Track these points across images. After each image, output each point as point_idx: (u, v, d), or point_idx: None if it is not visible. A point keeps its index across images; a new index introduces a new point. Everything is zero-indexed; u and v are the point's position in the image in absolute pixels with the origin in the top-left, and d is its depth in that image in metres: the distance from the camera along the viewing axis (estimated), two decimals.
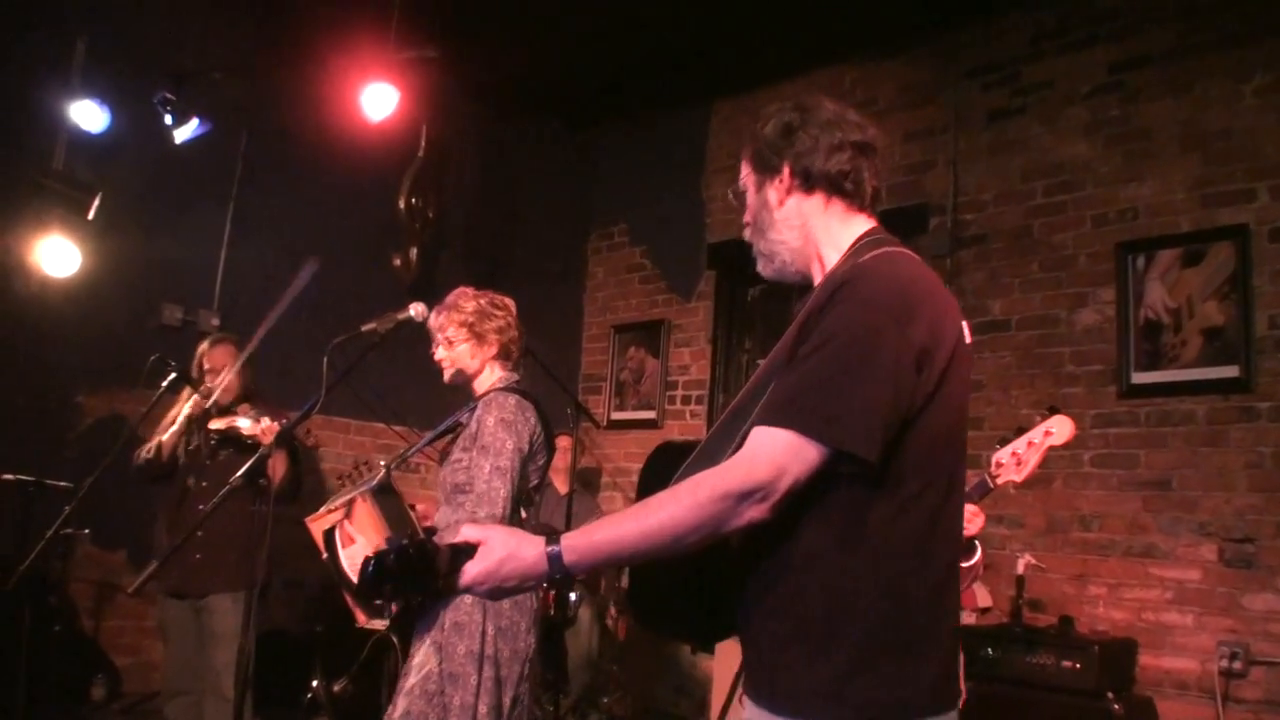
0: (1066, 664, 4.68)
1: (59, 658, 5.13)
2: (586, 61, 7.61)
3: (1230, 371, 5.17)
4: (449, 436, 3.57)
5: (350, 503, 3.42)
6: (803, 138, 2.06)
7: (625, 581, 6.54)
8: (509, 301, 3.69)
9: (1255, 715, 4.82)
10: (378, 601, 3.23)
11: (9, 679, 4.34)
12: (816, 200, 2.08)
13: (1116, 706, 4.54)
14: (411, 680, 3.22)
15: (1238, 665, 4.87)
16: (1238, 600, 4.99)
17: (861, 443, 1.73)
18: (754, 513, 1.75)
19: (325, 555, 3.38)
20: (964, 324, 1.98)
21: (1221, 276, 5.26)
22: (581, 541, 1.80)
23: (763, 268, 2.20)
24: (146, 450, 4.69)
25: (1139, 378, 5.48)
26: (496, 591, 1.85)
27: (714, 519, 1.75)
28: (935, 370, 1.84)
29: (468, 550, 1.80)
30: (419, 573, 1.75)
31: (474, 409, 3.44)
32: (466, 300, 3.60)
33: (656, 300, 8.33)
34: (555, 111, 8.64)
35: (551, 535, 1.80)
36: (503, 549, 1.80)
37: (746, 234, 2.19)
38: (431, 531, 1.70)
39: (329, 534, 3.34)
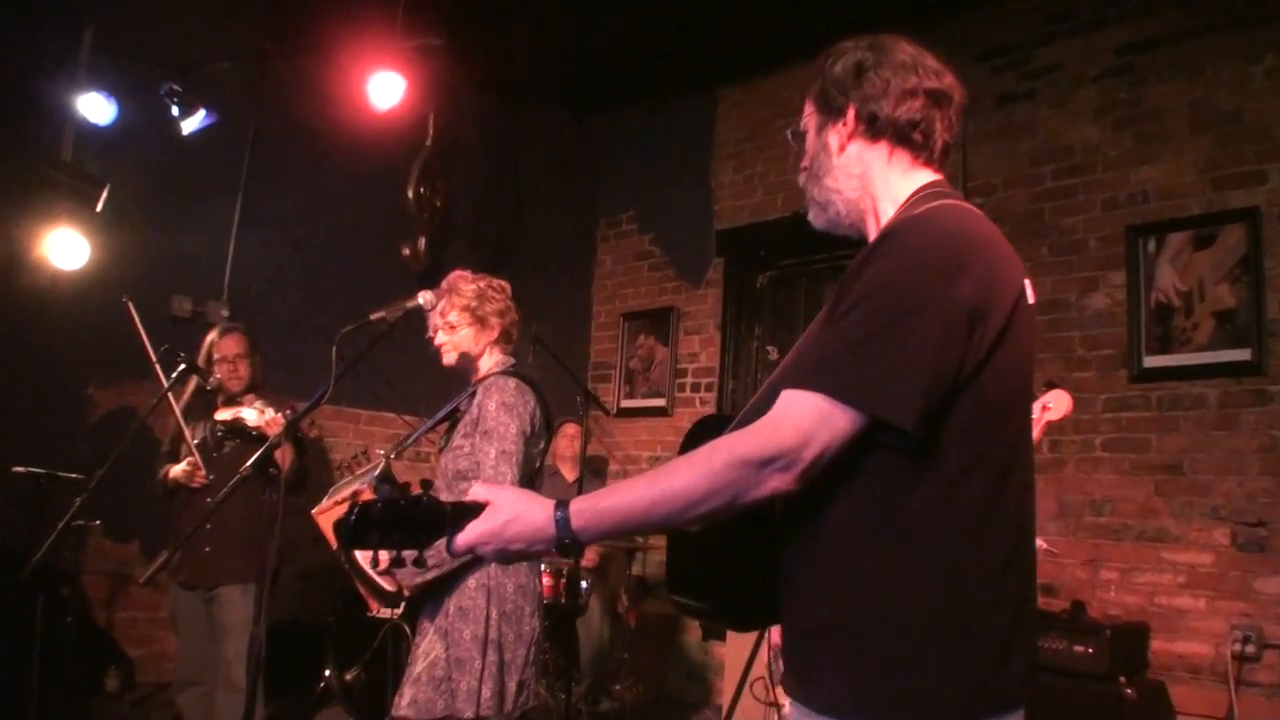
0: (1079, 649, 4.67)
1: (72, 649, 5.14)
2: (592, 49, 7.59)
3: (1242, 355, 5.14)
4: (447, 423, 3.57)
5: (355, 494, 3.42)
6: (873, 79, 1.91)
7: (663, 560, 6.53)
8: (505, 284, 3.68)
9: (1268, 699, 4.81)
10: (365, 552, 3.19)
11: (23, 670, 4.36)
12: (880, 149, 1.91)
13: (1129, 691, 4.53)
14: (418, 668, 3.22)
15: (1250, 649, 4.86)
16: (1250, 584, 4.97)
17: (899, 410, 1.56)
18: (776, 482, 1.58)
19: (336, 547, 3.38)
20: (1027, 282, 1.79)
21: (1233, 259, 5.23)
22: (590, 506, 1.67)
23: (814, 216, 2.02)
24: (164, 475, 4.71)
25: (1150, 361, 5.46)
26: (502, 554, 1.73)
27: (730, 487, 1.59)
28: (989, 332, 1.65)
29: (474, 509, 1.72)
30: (408, 525, 1.68)
31: (473, 394, 3.43)
32: (466, 283, 3.59)
33: (665, 288, 8.32)
34: (562, 99, 8.62)
35: (560, 501, 1.69)
36: (509, 510, 1.70)
37: (801, 179, 2.02)
38: (429, 485, 1.68)
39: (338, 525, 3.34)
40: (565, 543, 1.67)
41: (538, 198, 8.54)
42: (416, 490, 1.74)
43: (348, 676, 5.77)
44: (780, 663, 1.90)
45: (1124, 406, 5.50)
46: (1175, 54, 5.61)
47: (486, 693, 3.18)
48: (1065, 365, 5.75)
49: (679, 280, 8.23)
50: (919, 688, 1.61)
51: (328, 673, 5.86)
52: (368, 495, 3.40)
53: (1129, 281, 5.58)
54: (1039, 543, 5.16)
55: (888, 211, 1.88)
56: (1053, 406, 3.34)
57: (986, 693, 1.64)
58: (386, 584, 3.27)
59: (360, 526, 1.64)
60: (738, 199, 7.89)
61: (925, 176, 1.91)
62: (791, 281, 7.67)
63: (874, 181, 1.91)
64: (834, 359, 1.62)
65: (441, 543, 2.58)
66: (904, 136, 1.89)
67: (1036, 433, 3.33)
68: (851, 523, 1.68)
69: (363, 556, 3.28)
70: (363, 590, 3.40)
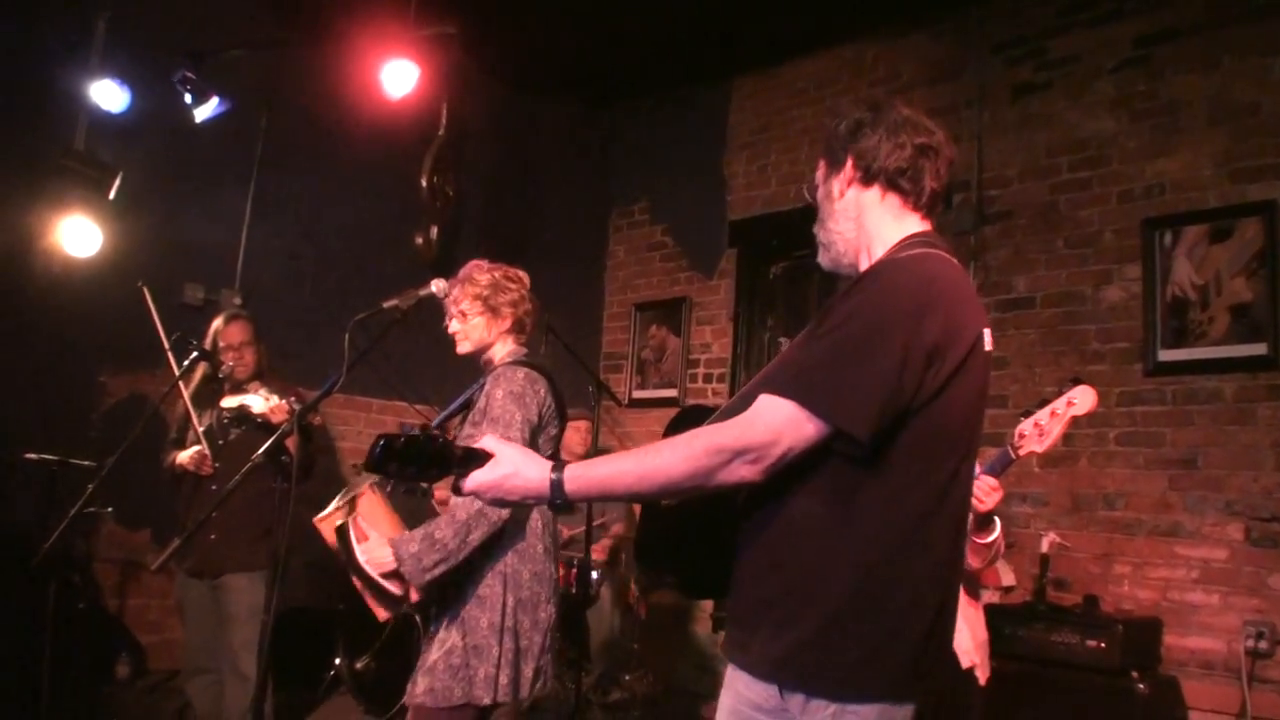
0: (1091, 643, 4.65)
1: (83, 635, 5.15)
2: (607, 38, 7.56)
3: (1258, 349, 5.10)
4: (460, 415, 3.56)
5: (356, 497, 3.40)
6: (869, 134, 2.17)
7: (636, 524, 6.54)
8: (522, 274, 3.66)
9: None
10: (369, 556, 3.25)
11: (34, 656, 4.37)
12: (873, 193, 2.18)
13: (1141, 686, 4.51)
14: (434, 656, 3.22)
15: (1264, 645, 4.83)
16: (1264, 580, 4.94)
17: (856, 422, 1.83)
18: (744, 471, 1.86)
19: (340, 553, 3.35)
20: (986, 331, 2.06)
21: (1249, 252, 5.20)
22: (583, 473, 1.94)
23: (821, 257, 2.32)
24: (170, 461, 4.72)
25: (1165, 355, 5.42)
26: (499, 502, 2.01)
27: (704, 470, 1.86)
28: (945, 368, 1.92)
29: (480, 457, 1.96)
30: (425, 459, 1.89)
31: (484, 385, 3.42)
32: (480, 273, 3.57)
33: (678, 278, 8.31)
34: (575, 89, 8.59)
35: (558, 463, 1.95)
36: (511, 465, 1.95)
37: (815, 227, 2.30)
38: (442, 427, 1.86)
39: (341, 530, 3.32)
40: (557, 502, 1.95)
41: (550, 187, 8.53)
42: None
43: (358, 665, 5.77)
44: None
45: (1138, 400, 5.47)
46: (1193, 46, 5.57)
47: (504, 679, 3.19)
48: (1080, 358, 5.72)
49: (691, 271, 8.21)
50: (835, 663, 1.89)
51: (338, 661, 5.86)
52: (370, 496, 3.39)
53: (1144, 274, 5.54)
54: (1051, 536, 5.16)
55: (878, 252, 2.15)
56: (1078, 402, 3.31)
57: (890, 681, 1.91)
58: (393, 587, 3.24)
59: (384, 455, 1.85)
60: (751, 189, 7.86)
61: (914, 224, 2.18)
62: (804, 272, 7.64)
63: (867, 224, 2.19)
64: (808, 373, 1.90)
65: (449, 540, 2.97)
66: (893, 183, 2.16)
67: (1060, 428, 3.31)
68: (803, 515, 1.96)
69: (367, 563, 3.26)
70: (367, 596, 3.37)
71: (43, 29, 5.66)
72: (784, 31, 7.28)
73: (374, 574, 3.23)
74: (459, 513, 3.15)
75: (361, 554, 3.27)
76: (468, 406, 3.49)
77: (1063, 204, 5.98)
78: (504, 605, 3.25)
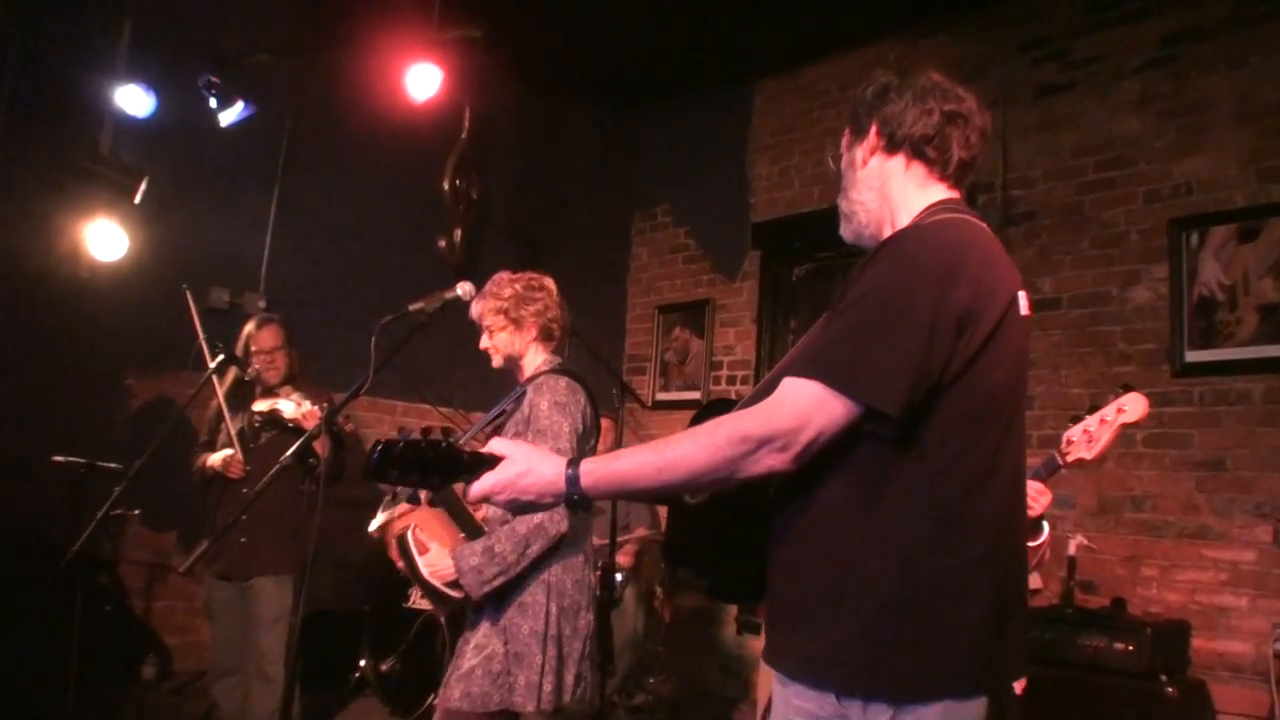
0: (1119, 646, 4.62)
1: (110, 637, 5.20)
2: (628, 41, 7.56)
3: None
4: (496, 423, 3.56)
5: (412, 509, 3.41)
6: (895, 99, 2.06)
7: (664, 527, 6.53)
8: (548, 281, 3.65)
9: None
10: (382, 486, 3.26)
11: (61, 658, 4.39)
12: (898, 162, 2.07)
13: (1170, 689, 4.48)
14: (471, 662, 3.22)
15: None
16: None
17: (886, 397, 1.70)
18: (772, 460, 1.74)
19: (402, 564, 3.39)
20: (1021, 294, 1.93)
21: (1278, 252, 5.15)
22: (599, 467, 1.83)
23: (842, 229, 2.19)
24: (201, 463, 4.75)
25: (1193, 356, 5.38)
26: (514, 503, 1.89)
27: (729, 461, 1.74)
28: (978, 336, 1.80)
29: (491, 460, 1.87)
30: (427, 465, 1.81)
31: (521, 394, 3.42)
32: (503, 286, 3.57)
33: (701, 280, 8.30)
34: (598, 92, 8.60)
35: (573, 459, 1.86)
36: (524, 463, 1.86)
37: (838, 197, 2.19)
38: (450, 433, 1.79)
39: (402, 542, 3.35)
40: (574, 498, 1.84)
41: (573, 190, 8.55)
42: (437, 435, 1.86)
43: (383, 666, 5.80)
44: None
45: (1166, 402, 5.43)
46: (1219, 45, 5.53)
47: (547, 686, 3.21)
48: (1106, 360, 5.68)
49: (714, 273, 8.20)
50: (886, 661, 1.75)
51: (363, 662, 5.88)
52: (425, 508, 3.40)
53: (1171, 275, 5.50)
54: (1078, 539, 5.11)
55: (902, 223, 2.03)
56: (1129, 409, 3.27)
57: (948, 675, 1.76)
58: (454, 594, 3.29)
59: (381, 462, 1.78)
60: (774, 191, 7.85)
61: (940, 192, 2.06)
62: (828, 274, 7.63)
63: (892, 193, 2.07)
64: (831, 351, 1.77)
65: (508, 553, 2.94)
66: (919, 150, 2.05)
67: (1110, 435, 3.27)
68: (836, 505, 1.82)
69: (430, 573, 3.29)
70: (428, 598, 3.41)
71: (69, 35, 5.69)
72: (806, 33, 7.26)
73: (437, 584, 3.26)
74: (519, 526, 3.19)
75: (424, 566, 3.32)
76: (501, 419, 3.50)
77: (1088, 205, 5.94)
78: (548, 613, 3.26)
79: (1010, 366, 1.88)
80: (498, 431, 3.50)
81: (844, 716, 1.77)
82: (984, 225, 1.99)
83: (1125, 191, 5.79)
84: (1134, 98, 5.83)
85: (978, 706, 1.79)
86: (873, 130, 2.09)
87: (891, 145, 2.06)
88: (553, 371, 3.47)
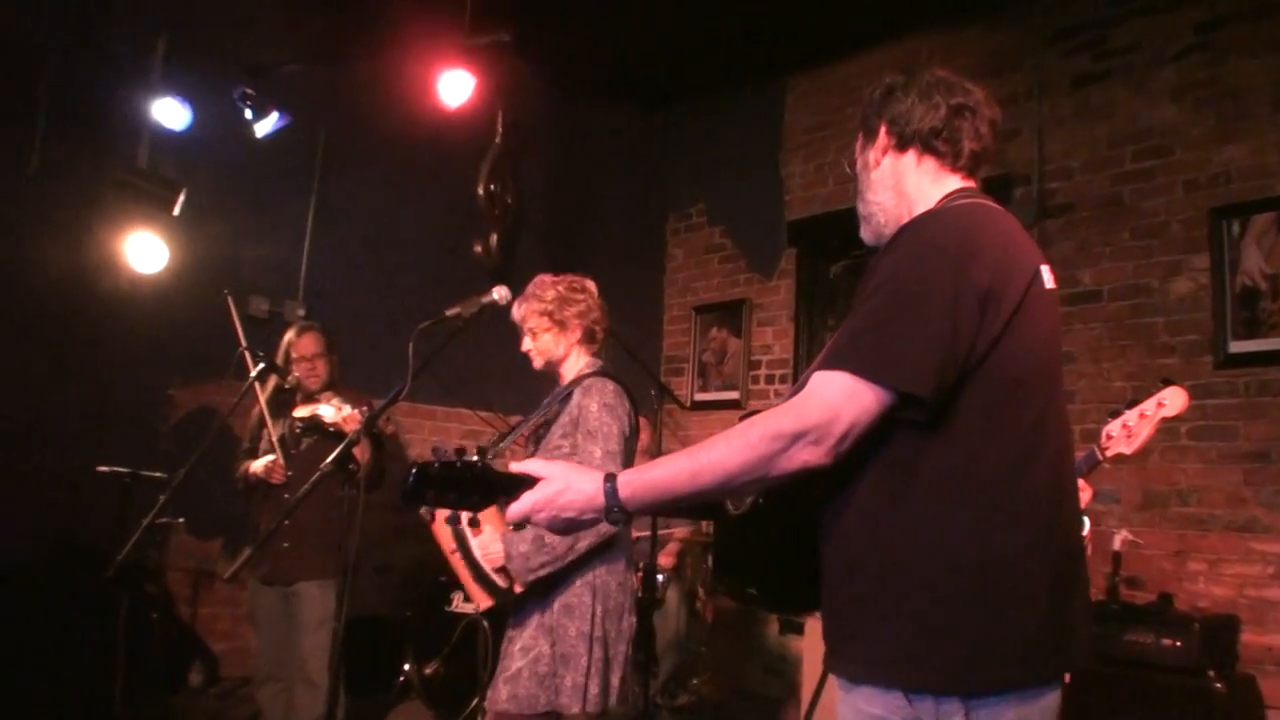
0: (1166, 642, 4.56)
1: (157, 644, 5.24)
2: (659, 41, 7.57)
3: None
4: (535, 432, 3.57)
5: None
6: (901, 98, 2.09)
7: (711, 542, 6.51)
8: (589, 283, 3.66)
9: None
10: (422, 510, 3.26)
11: (109, 665, 4.44)
12: (909, 158, 2.09)
13: (1219, 685, 4.43)
14: (518, 664, 3.24)
15: None
16: None
17: (916, 381, 1.70)
18: (807, 455, 1.72)
19: (456, 549, 3.41)
20: (1045, 268, 1.95)
21: None
22: (636, 477, 1.82)
23: (863, 231, 2.20)
24: (243, 470, 4.80)
25: (1236, 347, 5.32)
26: (555, 521, 1.87)
27: (764, 459, 1.73)
28: (1003, 312, 1.79)
29: (528, 480, 1.85)
30: (464, 486, 1.80)
31: (566, 395, 3.43)
32: (545, 289, 3.58)
33: (737, 280, 8.29)
34: (630, 93, 8.61)
35: (609, 473, 1.83)
36: (562, 480, 1.84)
37: (856, 201, 2.21)
38: (485, 454, 1.78)
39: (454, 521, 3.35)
40: (613, 511, 1.82)
41: (608, 192, 8.57)
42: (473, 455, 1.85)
43: (427, 670, 5.81)
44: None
45: (1210, 394, 5.37)
46: (1255, 30, 5.46)
47: (594, 688, 3.23)
48: (1149, 352, 5.62)
49: (751, 272, 8.18)
50: (948, 655, 1.72)
51: (407, 667, 5.91)
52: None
53: (1213, 265, 5.44)
54: (1123, 534, 5.06)
55: None
56: (1168, 403, 3.24)
57: (1014, 664, 1.73)
58: (499, 579, 3.30)
59: (418, 485, 1.77)
60: (809, 189, 7.83)
61: (954, 183, 2.07)
62: (864, 271, 7.58)
63: (907, 189, 2.09)
64: (857, 341, 1.77)
65: (558, 545, 2.91)
66: (929, 144, 2.07)
67: (1149, 430, 3.24)
68: (874, 500, 1.81)
69: (481, 554, 3.31)
70: (472, 586, 3.42)
71: (105, 51, 5.75)
72: (837, 28, 7.24)
73: (486, 566, 3.28)
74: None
75: (476, 546, 3.36)
76: (545, 418, 3.51)
77: (1127, 195, 5.88)
78: (593, 614, 3.28)
79: (1040, 342, 1.88)
80: (541, 433, 3.52)
81: (916, 718, 1.74)
82: (999, 207, 2.00)
83: (1164, 181, 5.73)
84: (1170, 86, 5.77)
85: (1052, 699, 1.79)
86: (882, 130, 2.11)
87: (901, 143, 2.09)
88: (598, 374, 3.48)
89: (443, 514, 1.91)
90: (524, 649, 3.27)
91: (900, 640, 1.75)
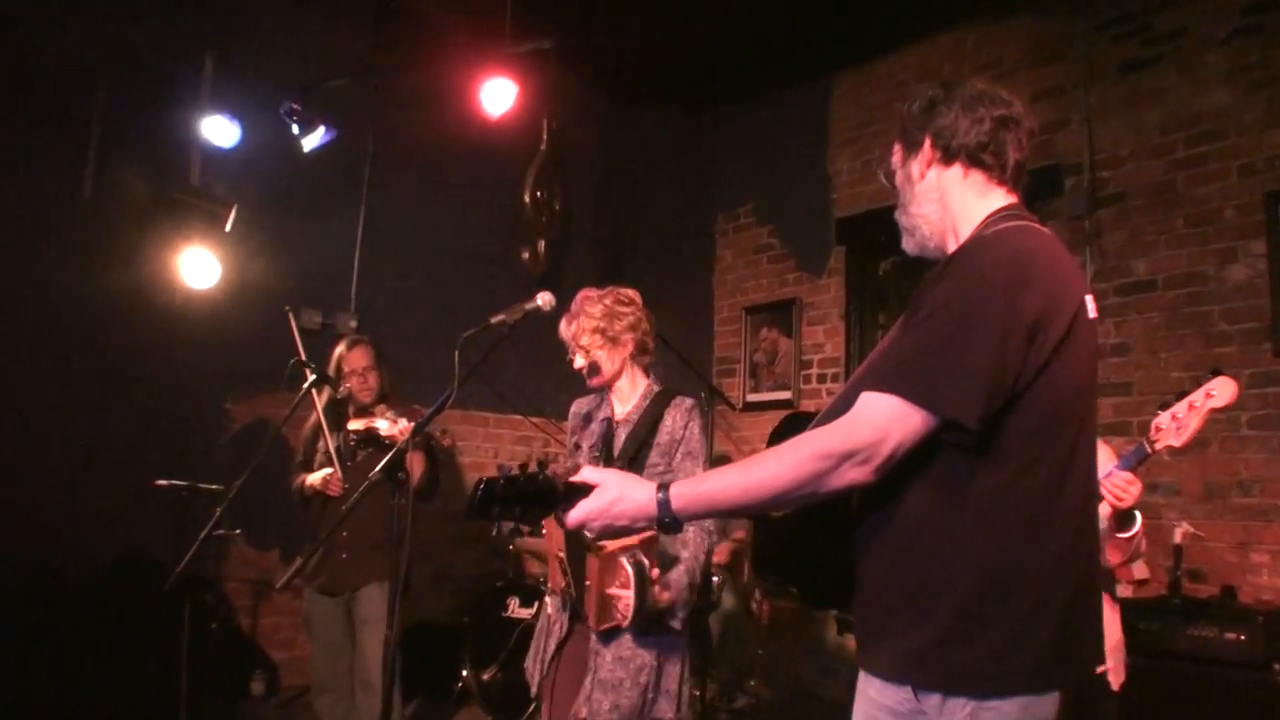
0: (1230, 636, 4.49)
1: (218, 654, 5.30)
2: (703, 41, 7.57)
3: None
4: (602, 431, 3.57)
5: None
6: (944, 111, 2.11)
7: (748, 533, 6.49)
8: (634, 294, 3.65)
9: None
10: (491, 520, 3.19)
11: (171, 676, 4.50)
12: (955, 171, 2.11)
13: None
14: (618, 674, 3.25)
15: None
16: None
17: (964, 409, 1.77)
18: (854, 474, 1.80)
19: (628, 591, 3.21)
20: (1088, 298, 1.98)
21: None
22: (688, 490, 1.90)
23: (906, 243, 2.24)
24: (300, 482, 4.85)
25: None
26: (608, 530, 1.98)
27: (813, 477, 1.81)
28: (1049, 343, 1.84)
29: (584, 489, 1.96)
30: (527, 499, 1.92)
31: (655, 417, 3.47)
32: (592, 304, 3.55)
33: (786, 279, 8.26)
34: (673, 94, 8.62)
35: (662, 483, 1.92)
36: (616, 490, 1.94)
37: (897, 213, 2.23)
38: (545, 465, 1.86)
39: (639, 567, 3.25)
40: (665, 521, 1.91)
41: (654, 195, 8.57)
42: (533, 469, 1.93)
43: (485, 676, 5.84)
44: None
45: (1270, 382, 5.27)
46: None
47: (685, 694, 3.33)
48: (1205, 341, 5.53)
49: (800, 271, 8.16)
50: (967, 658, 1.81)
51: (465, 673, 5.94)
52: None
53: (1270, 250, 5.34)
54: (1184, 527, 4.98)
55: (965, 232, 2.08)
56: (1217, 393, 3.18)
57: (1027, 670, 1.81)
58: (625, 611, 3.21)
59: (485, 500, 1.88)
60: (856, 186, 7.79)
61: (1000, 198, 2.10)
62: (914, 267, 7.53)
63: (952, 203, 2.12)
64: (908, 365, 1.84)
65: (680, 573, 3.05)
66: (975, 158, 2.09)
67: (1199, 421, 3.19)
68: (919, 512, 1.89)
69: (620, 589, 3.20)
70: (592, 609, 3.33)
71: (154, 72, 5.84)
72: (881, 24, 7.20)
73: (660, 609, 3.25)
74: (690, 536, 3.30)
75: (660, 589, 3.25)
76: (610, 427, 3.53)
77: (1180, 182, 5.79)
78: (681, 623, 3.32)
79: (1079, 373, 1.93)
80: (608, 438, 3.52)
81: (921, 713, 1.86)
82: (1047, 231, 2.03)
83: (1218, 166, 5.64)
84: (1221, 69, 5.68)
85: (1053, 701, 1.84)
86: (927, 143, 2.13)
87: (947, 156, 2.11)
88: (665, 391, 3.55)
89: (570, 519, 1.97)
90: (622, 659, 3.27)
91: (923, 643, 1.85)
